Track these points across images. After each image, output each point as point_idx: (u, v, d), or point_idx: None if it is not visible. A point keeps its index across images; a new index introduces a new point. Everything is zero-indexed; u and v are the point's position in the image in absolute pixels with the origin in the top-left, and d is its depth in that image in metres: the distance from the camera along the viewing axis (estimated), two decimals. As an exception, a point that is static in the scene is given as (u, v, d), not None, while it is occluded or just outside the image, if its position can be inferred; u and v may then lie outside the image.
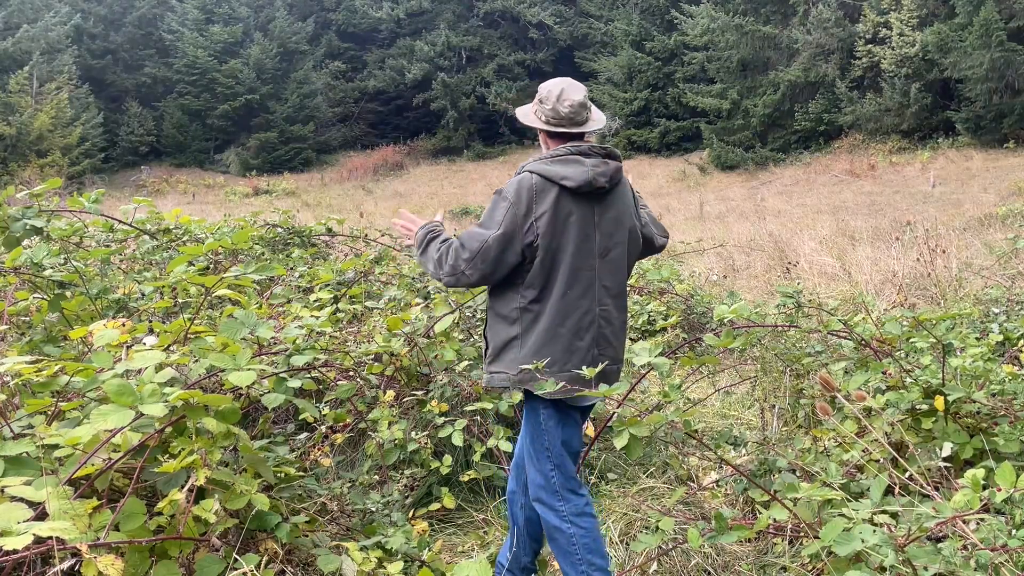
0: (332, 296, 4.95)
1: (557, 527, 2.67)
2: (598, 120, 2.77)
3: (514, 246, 2.58)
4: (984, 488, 2.11)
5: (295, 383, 2.88)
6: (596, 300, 2.67)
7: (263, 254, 5.92)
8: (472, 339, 4.39)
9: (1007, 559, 1.98)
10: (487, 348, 2.76)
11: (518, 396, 2.50)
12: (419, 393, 3.85)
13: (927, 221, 11.47)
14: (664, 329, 6.33)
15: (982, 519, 2.06)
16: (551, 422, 2.68)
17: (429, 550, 2.97)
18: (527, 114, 2.79)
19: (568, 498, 2.69)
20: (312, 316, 3.69)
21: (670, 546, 2.93)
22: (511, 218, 2.58)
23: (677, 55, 32.92)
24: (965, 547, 2.02)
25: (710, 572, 3.04)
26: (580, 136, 2.74)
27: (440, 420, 3.66)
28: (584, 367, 2.54)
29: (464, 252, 2.59)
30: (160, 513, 2.27)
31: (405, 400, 3.86)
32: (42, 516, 2.04)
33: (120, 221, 4.54)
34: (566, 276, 2.62)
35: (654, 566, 3.05)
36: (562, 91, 2.69)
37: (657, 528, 2.72)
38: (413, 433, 3.60)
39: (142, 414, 2.20)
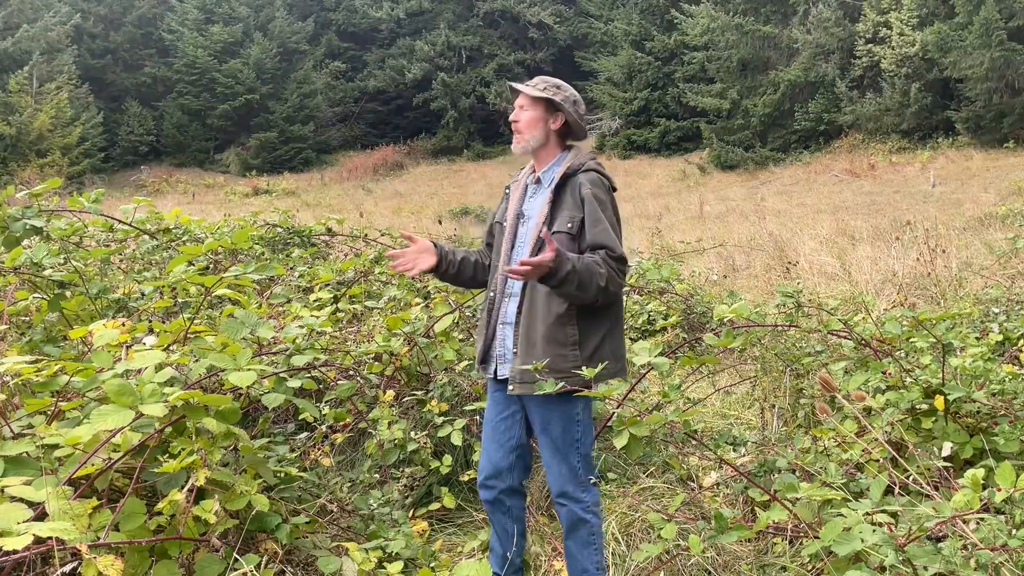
0: (332, 296, 4.95)
1: (581, 519, 2.70)
2: None
3: None
4: (984, 488, 2.11)
5: (295, 383, 2.88)
6: None
7: (263, 254, 5.92)
8: (472, 339, 4.38)
9: (1007, 559, 1.98)
10: (580, 346, 2.60)
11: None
12: (419, 393, 3.85)
13: (927, 221, 11.48)
14: (664, 329, 6.33)
15: (982, 519, 2.06)
16: (587, 414, 2.72)
17: (430, 552, 2.97)
18: (562, 104, 2.72)
19: (591, 490, 2.74)
20: (312, 316, 3.69)
21: (671, 547, 2.94)
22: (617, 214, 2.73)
23: (677, 55, 32.89)
24: (965, 547, 2.02)
25: (710, 572, 3.04)
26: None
27: (440, 420, 3.67)
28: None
29: (622, 262, 2.60)
30: (160, 513, 2.27)
31: (405, 400, 3.86)
32: (42, 516, 2.04)
33: (120, 221, 4.54)
34: None
35: (660, 574, 3.05)
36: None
37: (658, 536, 2.72)
38: (413, 433, 3.60)
39: (142, 414, 2.20)
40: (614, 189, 2.75)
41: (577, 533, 2.71)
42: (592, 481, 2.74)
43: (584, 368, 2.52)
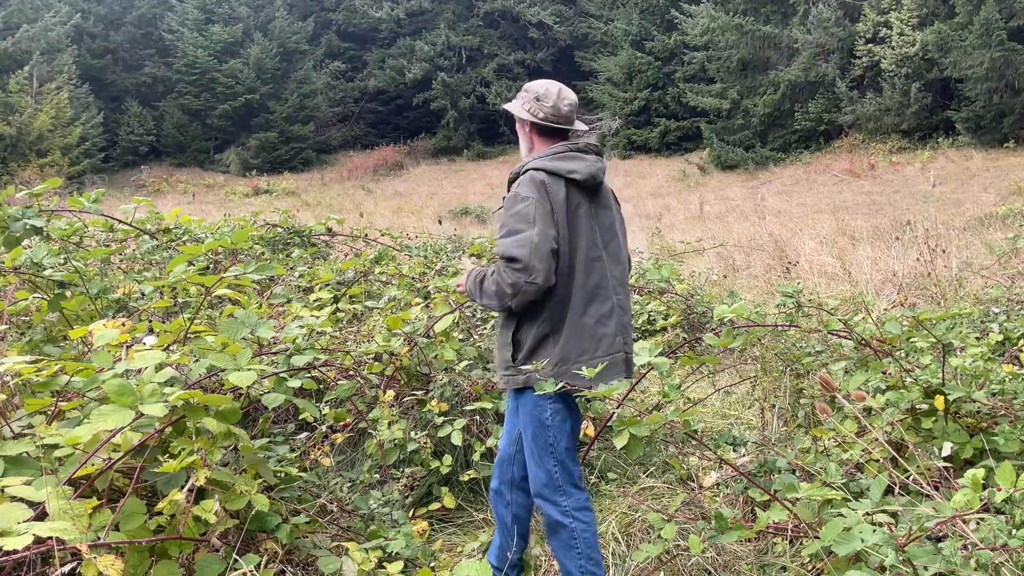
0: (332, 296, 4.95)
1: (559, 522, 2.69)
2: (582, 123, 2.89)
3: (552, 237, 2.59)
4: (984, 488, 2.11)
5: (295, 383, 2.88)
6: (612, 289, 2.75)
7: (263, 254, 5.92)
8: (472, 339, 4.38)
9: (1007, 559, 1.98)
10: (516, 349, 2.69)
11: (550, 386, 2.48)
12: (419, 393, 3.85)
13: (927, 221, 11.48)
14: (664, 329, 6.33)
15: (982, 519, 2.06)
16: (558, 418, 2.69)
17: (430, 552, 2.97)
18: (521, 110, 2.81)
19: (570, 493, 2.71)
20: (312, 316, 3.69)
21: (671, 547, 2.94)
22: (542, 212, 2.59)
23: (677, 55, 32.91)
24: (965, 547, 2.02)
25: (710, 572, 3.04)
26: (567, 135, 2.82)
27: (440, 420, 3.67)
28: (610, 355, 2.67)
29: (516, 264, 2.54)
30: (160, 513, 2.27)
31: (405, 400, 3.86)
32: (42, 516, 2.04)
33: (120, 221, 4.54)
34: (583, 267, 2.68)
35: (660, 574, 3.05)
36: (560, 90, 2.78)
37: (658, 536, 2.72)
38: (413, 433, 3.60)
39: (142, 414, 2.20)
40: (575, 181, 2.66)
41: (557, 535, 2.72)
42: (573, 484, 2.72)
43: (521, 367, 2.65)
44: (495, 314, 2.85)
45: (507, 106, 2.88)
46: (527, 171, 2.68)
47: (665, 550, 2.88)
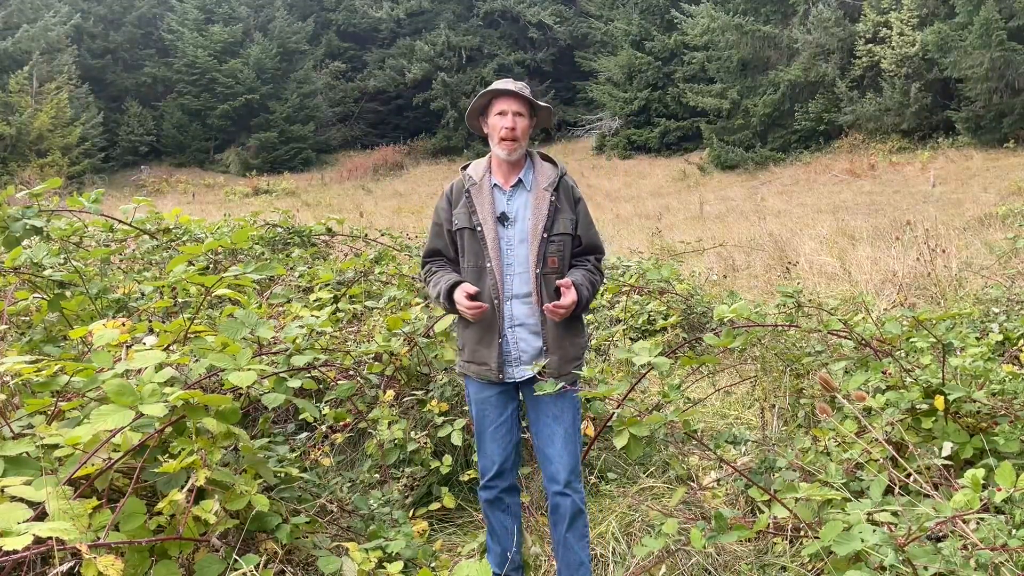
0: (332, 296, 4.95)
1: (581, 510, 2.79)
2: None
3: None
4: (984, 488, 2.11)
5: (295, 383, 2.88)
6: None
7: (263, 254, 5.92)
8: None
9: (1007, 559, 1.98)
10: (586, 346, 2.87)
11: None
12: (419, 393, 3.85)
13: (927, 221, 11.47)
14: (664, 329, 6.33)
15: (982, 519, 2.06)
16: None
17: (430, 552, 2.97)
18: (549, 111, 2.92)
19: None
20: (312, 316, 3.69)
21: (672, 546, 2.94)
22: None
23: (677, 55, 32.89)
24: (965, 547, 2.02)
25: (710, 571, 3.04)
26: None
27: (440, 420, 3.67)
28: None
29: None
30: (160, 513, 2.27)
31: (405, 400, 3.86)
32: (42, 516, 2.04)
33: (120, 221, 4.54)
34: None
35: (663, 569, 3.05)
36: None
37: (660, 531, 2.73)
38: (413, 433, 3.60)
39: (142, 414, 2.20)
40: None
41: (575, 524, 2.77)
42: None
43: (583, 360, 2.82)
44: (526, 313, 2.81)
45: (544, 104, 2.87)
46: (566, 175, 2.84)
47: (666, 549, 2.88)
